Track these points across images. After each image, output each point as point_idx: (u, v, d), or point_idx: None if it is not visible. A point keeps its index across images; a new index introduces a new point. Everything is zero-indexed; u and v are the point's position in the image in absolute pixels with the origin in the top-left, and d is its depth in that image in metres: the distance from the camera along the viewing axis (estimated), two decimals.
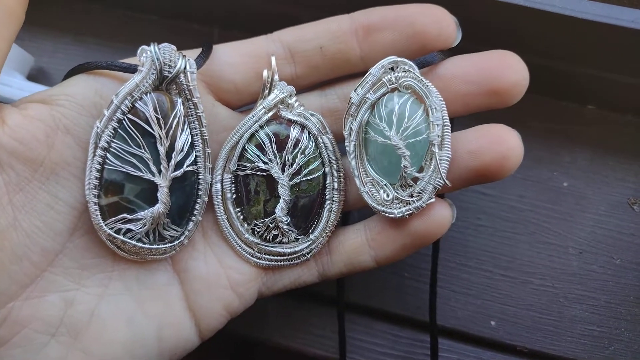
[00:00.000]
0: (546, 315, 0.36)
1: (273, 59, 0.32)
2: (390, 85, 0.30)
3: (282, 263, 0.33)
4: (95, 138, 0.28)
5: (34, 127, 0.27)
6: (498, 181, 0.30)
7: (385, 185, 0.31)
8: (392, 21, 0.30)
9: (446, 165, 0.29)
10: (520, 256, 0.38)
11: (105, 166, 0.29)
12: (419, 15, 0.30)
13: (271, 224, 0.32)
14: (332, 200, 0.33)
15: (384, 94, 0.31)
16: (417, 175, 0.30)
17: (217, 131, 0.33)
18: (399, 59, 0.30)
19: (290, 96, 0.32)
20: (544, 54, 0.36)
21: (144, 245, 0.30)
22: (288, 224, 0.32)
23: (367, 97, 0.31)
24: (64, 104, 0.28)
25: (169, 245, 0.31)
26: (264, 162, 0.32)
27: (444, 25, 0.30)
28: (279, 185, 0.32)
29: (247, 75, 0.32)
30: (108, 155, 0.28)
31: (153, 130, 0.29)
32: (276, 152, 0.32)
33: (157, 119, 0.29)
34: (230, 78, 0.32)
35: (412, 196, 0.30)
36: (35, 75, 0.42)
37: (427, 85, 0.29)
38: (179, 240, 0.31)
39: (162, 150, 0.29)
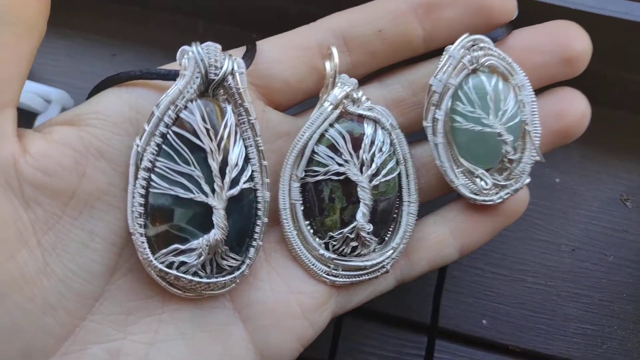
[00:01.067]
0: (539, 313, 0.36)
1: (334, 49, 0.28)
2: (470, 66, 0.28)
3: (360, 278, 0.29)
4: (136, 158, 0.24)
5: (61, 154, 0.24)
6: None
7: (481, 173, 0.29)
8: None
9: (539, 142, 0.29)
10: (512, 253, 0.37)
11: (150, 190, 0.24)
12: None
13: (350, 234, 0.28)
14: (410, 202, 0.29)
15: (466, 77, 0.28)
16: (515, 157, 0.29)
17: (271, 139, 0.28)
18: (477, 36, 0.28)
19: (356, 89, 0.28)
20: None
21: (201, 280, 0.25)
22: (369, 233, 0.28)
23: (449, 83, 0.27)
24: (94, 124, 0.24)
25: (229, 277, 0.26)
26: (339, 164, 0.28)
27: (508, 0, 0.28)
28: (358, 189, 0.27)
29: (299, 70, 0.28)
30: (153, 176, 0.24)
31: (203, 142, 0.24)
32: (352, 152, 0.28)
33: (207, 129, 0.24)
34: (281, 76, 0.28)
35: (508, 179, 0.29)
36: None
37: (511, 63, 0.28)
38: (240, 270, 0.26)
39: (214, 166, 0.24)
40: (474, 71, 0.28)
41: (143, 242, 0.25)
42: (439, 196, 0.31)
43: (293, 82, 0.29)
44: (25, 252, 0.23)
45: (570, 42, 0.28)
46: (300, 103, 0.30)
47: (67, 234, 0.24)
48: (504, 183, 0.29)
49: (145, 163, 0.24)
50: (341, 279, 0.29)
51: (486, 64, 0.28)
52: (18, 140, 0.23)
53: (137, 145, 0.24)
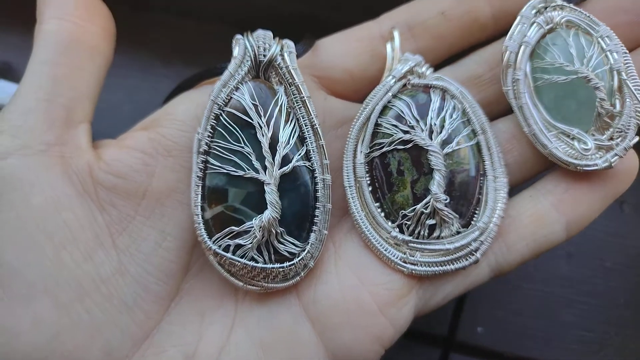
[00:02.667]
0: (535, 320, 0.35)
1: (395, 32, 0.27)
2: (546, 26, 0.26)
3: (443, 268, 0.25)
4: (197, 145, 0.25)
5: (130, 157, 0.25)
6: None
7: (578, 133, 0.25)
8: None
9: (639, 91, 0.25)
10: None
11: (207, 172, 0.25)
12: None
13: (425, 209, 0.25)
14: (495, 177, 0.26)
15: (543, 36, 0.26)
16: (614, 110, 0.25)
17: (334, 126, 0.28)
18: None
19: (421, 65, 0.27)
20: None
21: (256, 265, 0.24)
22: (447, 205, 0.25)
23: (525, 42, 0.26)
24: (163, 124, 0.26)
25: (288, 265, 0.24)
26: (405, 132, 0.25)
27: None
28: (429, 155, 0.25)
29: (362, 58, 0.28)
30: (209, 158, 0.25)
31: (252, 119, 0.25)
32: (418, 118, 0.26)
33: (255, 106, 0.25)
34: (343, 66, 0.28)
35: (612, 138, 0.25)
36: (2, 71, 0.40)
37: (590, 16, 0.26)
38: (300, 257, 0.25)
39: (264, 142, 0.24)
40: (551, 30, 0.26)
41: (200, 224, 0.25)
42: (538, 173, 0.27)
43: (356, 72, 0.28)
44: (101, 253, 0.24)
45: None
46: (366, 95, 0.29)
47: (140, 234, 0.25)
48: (609, 143, 0.25)
49: (203, 147, 0.25)
50: (421, 268, 0.25)
51: (563, 21, 0.26)
52: (93, 150, 0.26)
53: (198, 133, 0.25)
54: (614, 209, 0.37)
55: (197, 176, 0.25)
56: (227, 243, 0.25)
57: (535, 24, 0.26)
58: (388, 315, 0.25)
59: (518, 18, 0.26)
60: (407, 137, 0.25)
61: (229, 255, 0.24)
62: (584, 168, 0.25)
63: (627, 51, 0.26)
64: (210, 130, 0.25)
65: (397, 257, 0.25)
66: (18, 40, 0.41)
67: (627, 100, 0.25)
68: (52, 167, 0.24)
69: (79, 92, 0.26)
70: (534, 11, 0.26)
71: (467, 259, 0.25)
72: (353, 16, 0.30)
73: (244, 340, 0.25)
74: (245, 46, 0.26)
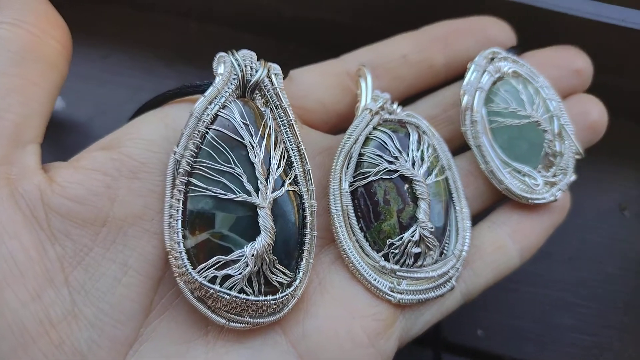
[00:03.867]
0: (535, 323, 0.35)
1: (365, 69, 0.29)
2: (495, 74, 0.29)
3: (426, 295, 0.25)
4: (174, 166, 0.22)
5: (89, 179, 0.22)
6: None
7: (528, 171, 0.28)
8: (467, 30, 0.31)
9: (574, 133, 0.29)
10: None
11: (189, 194, 0.22)
12: (488, 24, 0.31)
13: (412, 236, 0.25)
14: (462, 208, 0.27)
15: (494, 83, 0.29)
16: (557, 151, 0.29)
17: (312, 155, 0.27)
18: (497, 49, 0.30)
19: (389, 102, 0.28)
20: None
21: (248, 298, 0.22)
22: (432, 232, 0.26)
23: (480, 87, 0.29)
24: (126, 144, 0.23)
25: (281, 296, 0.23)
26: (390, 162, 0.26)
27: (507, 30, 0.31)
28: (415, 185, 0.26)
29: (333, 91, 0.29)
30: (192, 179, 0.22)
31: (243, 139, 0.23)
32: (401, 149, 0.26)
33: (246, 125, 0.23)
34: (316, 97, 0.29)
35: (555, 175, 0.29)
36: None
37: (531, 68, 0.30)
38: (292, 288, 0.23)
39: (257, 162, 0.23)
40: (499, 79, 0.30)
41: (181, 253, 0.22)
42: (490, 204, 0.30)
43: (329, 103, 0.29)
44: (51, 291, 0.20)
45: (575, 59, 0.31)
46: (335, 127, 0.30)
47: (97, 269, 0.21)
48: (553, 180, 0.29)
49: (184, 167, 0.23)
50: (407, 296, 0.25)
51: (509, 71, 0.29)
52: (43, 172, 0.22)
53: (175, 153, 0.23)
54: (615, 214, 0.37)
55: (177, 199, 0.22)
56: (214, 274, 0.22)
57: (486, 72, 0.29)
58: (377, 346, 0.24)
59: (473, 66, 0.29)
60: (392, 167, 0.26)
61: (217, 287, 0.22)
62: (535, 201, 0.28)
63: (560, 100, 0.30)
64: (194, 150, 0.23)
65: (385, 287, 0.25)
66: None
67: (567, 142, 0.29)
68: None
69: (31, 109, 0.22)
70: (484, 61, 0.29)
71: (445, 287, 0.26)
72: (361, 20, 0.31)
73: None
74: (232, 64, 0.24)
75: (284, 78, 0.26)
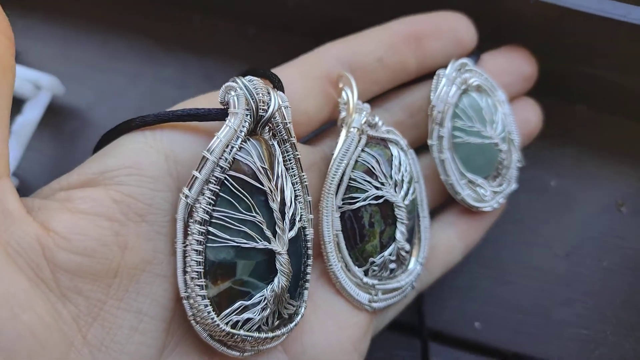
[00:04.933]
0: (532, 317, 0.35)
1: (351, 78, 0.28)
2: (462, 87, 0.31)
3: (396, 299, 0.29)
4: (185, 211, 0.21)
5: (97, 228, 0.20)
6: None
7: (481, 182, 0.31)
8: (436, 29, 0.31)
9: (520, 146, 0.33)
10: (505, 257, 0.36)
11: (209, 245, 0.22)
12: (456, 23, 0.32)
13: (390, 255, 0.28)
14: (424, 217, 0.30)
15: (460, 96, 0.31)
16: (505, 164, 0.32)
17: None
18: (463, 60, 0.31)
19: (371, 114, 0.29)
20: (535, 50, 0.35)
21: (266, 335, 0.23)
22: (407, 252, 0.29)
23: (449, 102, 0.30)
24: (127, 182, 0.21)
25: (290, 326, 0.24)
26: (377, 188, 0.28)
27: (472, 30, 0.32)
28: (396, 209, 0.28)
29: (318, 100, 0.28)
30: (211, 229, 0.21)
31: (262, 184, 0.22)
32: (386, 174, 0.28)
33: (264, 169, 0.22)
34: (302, 108, 0.28)
35: (500, 185, 0.32)
36: None
37: (492, 82, 0.32)
38: (300, 315, 0.25)
39: (275, 207, 0.23)
40: (465, 91, 0.31)
41: (207, 306, 0.21)
42: (437, 205, 0.33)
43: (313, 113, 0.28)
44: (73, 355, 0.19)
45: (528, 63, 0.34)
46: (313, 133, 0.30)
47: (114, 321, 0.20)
48: (498, 189, 0.32)
49: (201, 215, 0.21)
50: (380, 304, 0.28)
51: (474, 84, 0.31)
52: (32, 219, 0.19)
53: (186, 197, 0.21)
54: (612, 211, 0.37)
55: (194, 250, 0.21)
56: (236, 319, 0.22)
57: (454, 85, 0.30)
58: (359, 350, 0.27)
59: (444, 79, 0.30)
60: (380, 193, 0.28)
61: (242, 332, 0.22)
62: (483, 209, 0.32)
63: (512, 113, 0.32)
64: (212, 197, 0.22)
65: (365, 299, 0.28)
66: (20, 24, 0.40)
67: (513, 155, 0.32)
68: None
69: None
70: (454, 73, 0.30)
71: (408, 289, 0.29)
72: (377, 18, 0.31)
73: None
74: (247, 98, 0.22)
75: (282, 91, 0.25)
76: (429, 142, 0.30)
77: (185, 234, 0.21)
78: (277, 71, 0.28)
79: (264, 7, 0.36)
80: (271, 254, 0.23)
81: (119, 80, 0.38)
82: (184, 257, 0.21)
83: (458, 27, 0.32)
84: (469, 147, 0.31)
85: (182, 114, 0.22)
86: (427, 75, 0.32)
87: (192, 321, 0.22)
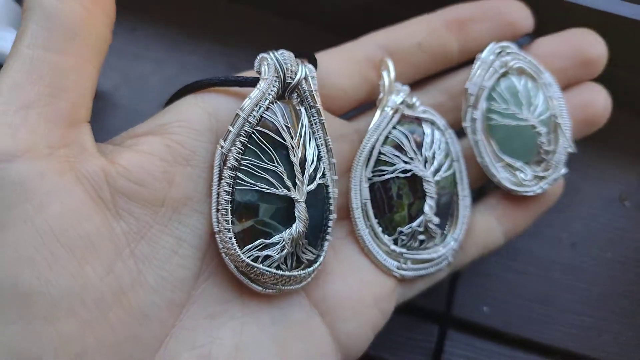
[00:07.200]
0: (538, 304, 0.37)
1: (389, 61, 0.31)
2: (500, 70, 0.31)
3: (427, 271, 0.30)
4: (221, 159, 0.25)
5: (151, 164, 0.24)
6: None
7: (520, 166, 0.31)
8: (482, 14, 0.32)
9: (570, 133, 0.32)
10: (515, 244, 0.38)
11: (237, 187, 0.26)
12: (506, 6, 0.32)
13: (419, 227, 0.30)
14: (464, 196, 0.31)
15: (498, 79, 0.31)
16: (549, 149, 0.31)
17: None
18: (504, 43, 0.31)
19: (409, 95, 0.31)
20: None
21: (283, 273, 0.26)
22: (436, 225, 0.30)
23: (483, 85, 0.31)
24: (179, 132, 0.25)
25: (308, 270, 0.27)
26: (405, 162, 0.30)
27: (525, 13, 0.32)
28: (424, 184, 0.30)
29: (354, 80, 0.31)
30: (239, 174, 0.26)
31: (285, 140, 0.26)
32: (416, 150, 0.30)
33: (287, 127, 0.26)
34: (339, 85, 0.31)
35: (546, 170, 0.32)
36: None
37: (537, 65, 0.31)
38: (318, 263, 0.28)
39: (295, 161, 0.26)
40: (504, 74, 0.32)
41: (231, 238, 0.25)
42: (477, 187, 0.34)
43: (350, 90, 0.31)
44: (120, 263, 0.23)
45: (589, 47, 0.32)
46: (351, 110, 0.33)
47: (157, 242, 0.24)
48: (543, 174, 0.32)
49: (232, 162, 0.26)
50: (410, 272, 0.30)
51: (515, 66, 0.31)
52: (102, 154, 0.24)
53: (222, 147, 0.26)
54: (616, 204, 0.39)
55: (225, 191, 0.26)
56: (257, 254, 0.26)
57: (492, 68, 0.31)
58: (381, 307, 0.29)
59: (478, 62, 0.31)
60: (407, 167, 0.30)
61: (260, 266, 0.26)
62: (523, 194, 0.32)
63: (562, 96, 0.32)
64: (241, 148, 0.26)
65: (393, 266, 0.30)
66: None
67: (560, 140, 0.32)
68: (65, 173, 0.22)
69: (84, 88, 0.23)
70: (491, 56, 0.31)
71: (442, 263, 0.31)
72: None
73: (258, 337, 0.26)
74: (276, 67, 0.26)
75: (315, 68, 0.29)
76: (463, 124, 0.31)
77: (220, 179, 0.26)
78: (321, 54, 0.31)
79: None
80: (290, 202, 0.26)
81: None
82: (217, 197, 0.26)
83: (508, 10, 0.32)
84: (505, 129, 0.31)
85: (225, 80, 0.27)
86: (471, 61, 0.32)
87: (223, 254, 0.26)
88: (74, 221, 0.22)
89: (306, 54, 0.29)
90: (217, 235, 0.26)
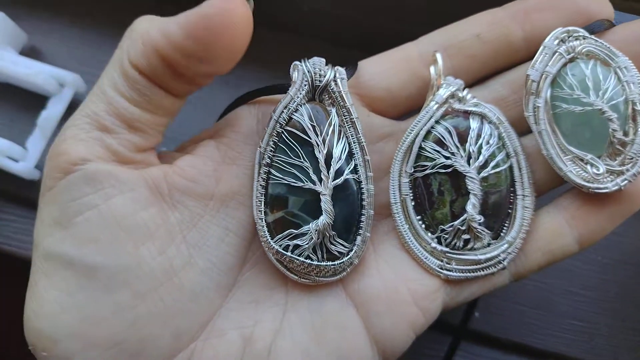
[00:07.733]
0: (531, 308, 0.37)
1: (438, 55, 0.30)
2: (567, 55, 0.28)
3: (476, 274, 0.29)
4: (259, 158, 0.29)
5: (203, 164, 0.28)
6: None
7: (591, 159, 0.28)
8: (549, 2, 0.30)
9: None
10: None
11: (270, 182, 0.29)
12: None
13: (462, 226, 0.29)
14: (524, 196, 0.29)
15: (564, 65, 0.29)
16: (626, 139, 0.27)
17: (374, 141, 0.31)
18: (571, 27, 0.28)
19: (461, 89, 0.30)
20: None
21: (312, 262, 0.28)
22: (481, 224, 0.28)
23: (547, 71, 0.28)
24: (229, 136, 0.29)
25: (338, 263, 0.28)
26: (446, 157, 0.29)
27: (604, 2, 0.29)
28: (467, 180, 0.28)
29: (401, 77, 0.31)
30: (271, 170, 0.29)
31: (310, 137, 0.28)
32: (458, 145, 0.29)
33: (313, 126, 0.28)
34: (383, 85, 0.31)
35: (623, 164, 0.27)
36: (28, 54, 0.41)
37: (610, 47, 0.28)
38: (348, 257, 0.29)
39: (320, 157, 0.28)
40: (572, 60, 0.29)
41: (263, 227, 0.29)
42: (553, 188, 0.30)
43: (395, 89, 0.31)
44: (173, 247, 0.27)
45: None
46: (406, 113, 0.32)
47: (207, 231, 0.28)
48: (620, 169, 0.27)
49: (266, 159, 0.29)
50: (455, 274, 0.29)
51: (583, 51, 0.28)
52: (162, 162, 0.29)
53: (260, 147, 0.29)
54: None
55: (260, 185, 0.29)
56: (287, 243, 0.29)
57: (557, 54, 0.28)
58: (420, 306, 0.28)
59: (541, 48, 0.29)
60: (447, 162, 0.29)
61: (289, 254, 0.28)
62: (595, 190, 0.28)
63: None
64: (272, 146, 0.29)
65: (435, 264, 0.29)
66: (47, 27, 0.43)
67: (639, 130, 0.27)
68: (131, 173, 0.27)
69: (158, 126, 0.28)
70: (556, 41, 0.28)
71: (495, 267, 0.29)
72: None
73: (296, 324, 0.28)
74: (304, 72, 0.29)
75: (352, 74, 0.30)
76: (525, 114, 0.29)
77: (258, 174, 0.29)
78: (369, 59, 0.32)
79: (278, 9, 0.38)
80: (317, 196, 0.28)
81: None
82: (255, 191, 0.29)
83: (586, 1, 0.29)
84: (572, 117, 0.28)
85: (267, 89, 0.30)
86: None
87: (262, 243, 0.29)
88: (133, 210, 0.26)
89: (349, 60, 0.31)
90: (257, 226, 0.29)
